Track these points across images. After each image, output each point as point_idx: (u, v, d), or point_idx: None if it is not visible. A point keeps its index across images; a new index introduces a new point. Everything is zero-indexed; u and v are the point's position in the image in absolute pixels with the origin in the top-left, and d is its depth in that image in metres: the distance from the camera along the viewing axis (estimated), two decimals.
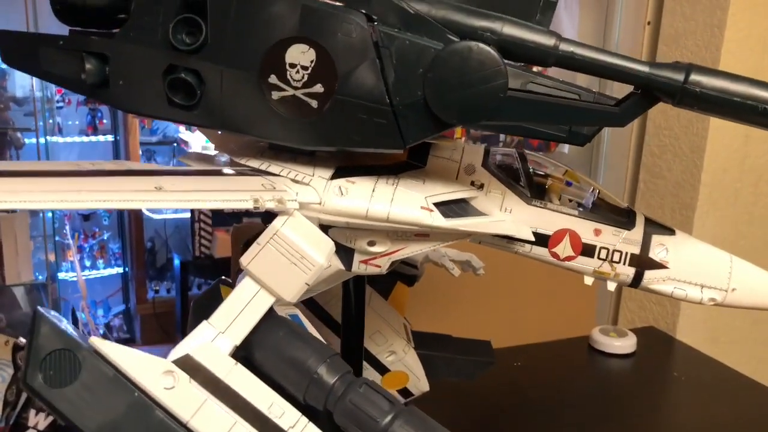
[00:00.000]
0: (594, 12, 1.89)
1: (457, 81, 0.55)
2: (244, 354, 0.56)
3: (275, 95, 0.57)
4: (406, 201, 0.61)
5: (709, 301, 0.68)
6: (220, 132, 0.69)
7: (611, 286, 0.71)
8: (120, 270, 3.16)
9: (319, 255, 0.56)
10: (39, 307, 0.51)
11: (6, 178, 0.48)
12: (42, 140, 2.54)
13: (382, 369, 0.90)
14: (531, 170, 0.71)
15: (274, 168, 0.62)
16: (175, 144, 3.08)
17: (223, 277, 0.67)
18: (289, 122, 0.58)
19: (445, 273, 0.97)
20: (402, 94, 0.56)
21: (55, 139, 2.79)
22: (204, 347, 0.54)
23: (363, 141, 0.58)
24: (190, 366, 0.53)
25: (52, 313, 0.52)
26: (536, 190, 0.69)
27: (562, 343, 1.36)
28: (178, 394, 0.52)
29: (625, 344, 1.32)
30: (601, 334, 1.34)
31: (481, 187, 0.68)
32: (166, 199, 0.50)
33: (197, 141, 2.74)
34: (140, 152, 2.89)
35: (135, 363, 0.51)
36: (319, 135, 0.59)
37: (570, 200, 0.71)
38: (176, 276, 2.88)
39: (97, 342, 0.52)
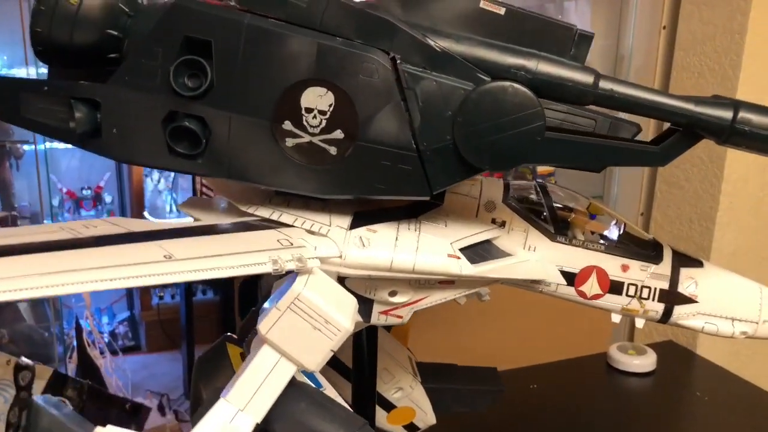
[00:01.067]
0: (606, 15, 1.84)
1: (490, 124, 0.51)
2: (263, 427, 0.52)
3: (290, 142, 0.53)
4: (432, 249, 0.57)
5: (740, 335, 0.66)
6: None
7: (639, 323, 0.69)
8: None
9: (345, 318, 0.52)
10: (35, 397, 0.46)
11: None
12: (41, 147, 2.50)
13: (388, 406, 0.87)
14: (553, 204, 0.68)
15: (286, 218, 0.58)
16: None
17: (228, 334, 0.63)
18: (305, 170, 0.54)
19: None
20: (429, 138, 0.52)
21: (55, 145, 2.74)
22: (223, 430, 0.50)
23: (386, 189, 0.54)
24: None
25: (51, 399, 0.47)
26: (560, 226, 0.66)
27: (579, 361, 1.32)
28: None
29: (645, 362, 1.28)
30: (620, 352, 1.30)
31: (502, 224, 0.65)
32: (179, 270, 0.45)
33: None
34: None
35: None
36: (338, 183, 0.54)
37: (592, 233, 0.68)
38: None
39: None
